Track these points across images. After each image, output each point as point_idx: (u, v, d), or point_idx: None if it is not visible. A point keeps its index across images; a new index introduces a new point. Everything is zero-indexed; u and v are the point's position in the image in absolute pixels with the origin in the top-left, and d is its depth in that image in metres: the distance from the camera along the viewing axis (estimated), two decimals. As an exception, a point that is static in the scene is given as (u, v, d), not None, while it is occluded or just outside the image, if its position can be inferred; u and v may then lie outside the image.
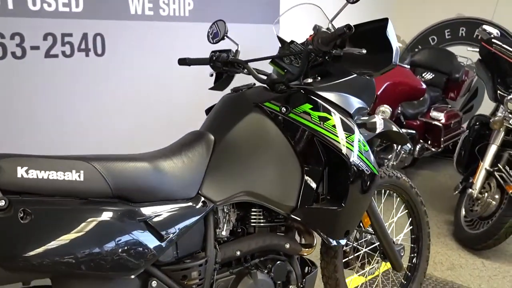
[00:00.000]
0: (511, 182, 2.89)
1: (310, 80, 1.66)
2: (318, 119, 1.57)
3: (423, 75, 4.59)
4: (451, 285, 2.62)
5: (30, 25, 2.61)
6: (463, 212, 3.27)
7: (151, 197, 1.32)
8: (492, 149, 3.08)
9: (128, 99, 3.25)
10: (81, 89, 2.93)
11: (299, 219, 1.57)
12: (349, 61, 1.53)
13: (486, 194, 3.07)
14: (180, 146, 1.50)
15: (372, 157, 1.69)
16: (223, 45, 1.95)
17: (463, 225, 3.21)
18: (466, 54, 4.80)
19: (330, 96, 1.64)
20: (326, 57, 1.55)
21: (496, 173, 3.01)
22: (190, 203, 1.40)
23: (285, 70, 1.71)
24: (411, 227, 2.27)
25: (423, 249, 2.26)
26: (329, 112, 1.60)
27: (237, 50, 1.91)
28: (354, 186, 1.61)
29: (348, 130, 1.61)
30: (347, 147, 1.59)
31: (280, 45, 1.82)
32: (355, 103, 1.71)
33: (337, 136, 1.58)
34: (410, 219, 2.24)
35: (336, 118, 1.60)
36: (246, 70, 1.81)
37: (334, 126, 1.59)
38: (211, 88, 2.07)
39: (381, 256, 2.06)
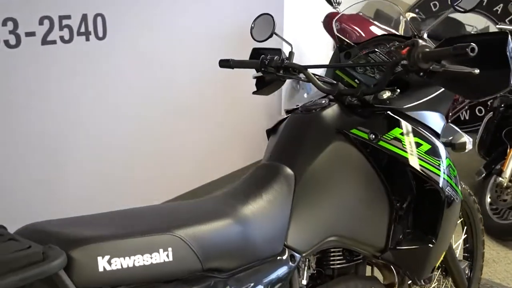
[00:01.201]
0: None
1: (387, 94, 1.41)
2: (410, 146, 1.34)
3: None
4: (490, 285, 2.51)
5: (23, 8, 2.23)
6: (488, 199, 3.13)
7: (240, 262, 1.08)
8: None
9: (134, 87, 2.92)
10: (82, 78, 2.59)
11: (391, 260, 1.36)
12: (449, 80, 1.28)
13: None
14: (254, 186, 1.24)
15: (458, 180, 1.48)
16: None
17: (489, 214, 3.08)
18: (471, 22, 4.59)
19: (419, 116, 1.40)
20: (421, 74, 1.30)
21: None
22: (278, 259, 1.17)
23: (357, 81, 1.45)
24: (465, 235, 2.10)
25: (477, 260, 2.11)
26: (421, 137, 1.37)
27: (291, 52, 1.63)
28: (445, 218, 1.41)
29: (440, 155, 1.39)
30: (441, 176, 1.37)
31: (335, 44, 1.56)
32: (441, 120, 1.48)
33: (431, 165, 1.35)
34: (466, 227, 2.07)
35: (429, 144, 1.37)
36: (304, 76, 1.55)
37: (427, 152, 1.36)
38: (256, 93, 1.79)
39: (442, 273, 1.89)
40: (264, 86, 1.76)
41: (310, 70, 1.51)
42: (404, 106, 1.37)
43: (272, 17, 1.71)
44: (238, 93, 3.67)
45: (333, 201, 1.29)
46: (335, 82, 1.56)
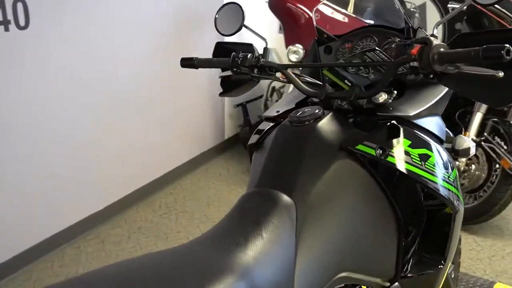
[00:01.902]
0: (504, 155, 2.73)
1: (384, 97, 1.22)
2: (418, 159, 1.16)
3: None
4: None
5: None
6: None
7: None
8: (478, 118, 2.87)
9: (65, 83, 2.57)
10: (1, 74, 2.21)
11: None
12: (464, 82, 1.11)
13: (473, 166, 2.91)
14: (252, 223, 1.01)
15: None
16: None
17: None
18: None
19: (424, 122, 1.23)
20: (431, 76, 1.12)
21: (484, 144, 2.83)
22: None
23: (348, 82, 1.26)
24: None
25: (456, 258, 2.01)
26: (429, 148, 1.20)
27: (266, 48, 1.41)
28: (454, 235, 1.27)
29: (448, 167, 1.23)
30: (450, 190, 1.22)
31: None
32: (442, 124, 1.32)
33: (442, 179, 1.19)
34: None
35: (436, 154, 1.21)
36: (284, 77, 1.34)
37: (436, 165, 1.19)
38: (223, 94, 1.56)
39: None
40: (232, 86, 1.52)
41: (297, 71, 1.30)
42: (411, 114, 1.18)
43: (241, 6, 1.46)
44: (180, 85, 3.38)
45: (340, 232, 1.09)
46: (320, 83, 1.35)
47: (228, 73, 1.44)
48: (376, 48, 1.18)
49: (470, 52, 0.99)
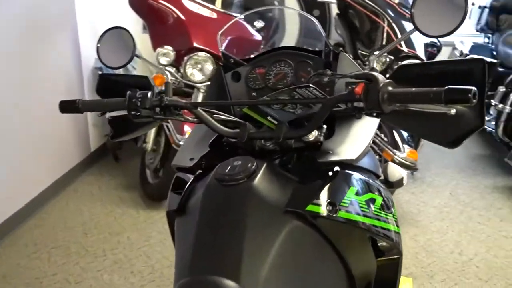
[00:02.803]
0: (386, 147, 2.80)
1: (314, 134, 1.09)
2: (366, 206, 1.04)
3: (254, 23, 4.12)
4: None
5: None
6: None
7: None
8: None
9: None
10: None
11: None
12: (412, 121, 1.01)
13: None
14: None
15: None
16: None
17: None
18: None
19: (363, 162, 1.11)
20: (374, 114, 0.99)
21: None
22: None
23: (271, 119, 1.09)
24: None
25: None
26: (372, 189, 1.09)
27: (167, 83, 1.17)
28: (399, 279, 1.19)
29: (391, 206, 1.14)
30: (397, 232, 1.12)
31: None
32: (374, 156, 1.22)
33: (388, 223, 1.09)
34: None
35: (380, 195, 1.10)
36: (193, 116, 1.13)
37: (381, 207, 1.08)
38: (115, 138, 1.29)
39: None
40: (127, 127, 1.26)
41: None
42: (355, 157, 1.04)
43: (129, 32, 1.19)
44: (31, 94, 2.91)
45: None
46: (237, 119, 1.16)
47: (121, 112, 1.17)
48: (310, 85, 1.02)
49: (428, 93, 0.87)
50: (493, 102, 3.34)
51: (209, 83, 3.06)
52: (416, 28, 0.95)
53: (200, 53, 2.98)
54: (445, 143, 0.99)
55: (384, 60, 2.80)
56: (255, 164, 0.99)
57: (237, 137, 1.08)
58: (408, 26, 2.90)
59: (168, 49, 2.95)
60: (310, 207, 0.95)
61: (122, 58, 1.20)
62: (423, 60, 2.84)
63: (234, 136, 1.09)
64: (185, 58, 2.96)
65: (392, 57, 2.81)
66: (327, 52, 1.23)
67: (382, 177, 1.22)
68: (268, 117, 1.10)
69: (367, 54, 2.86)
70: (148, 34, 3.22)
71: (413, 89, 0.90)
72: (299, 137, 1.07)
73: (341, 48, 1.20)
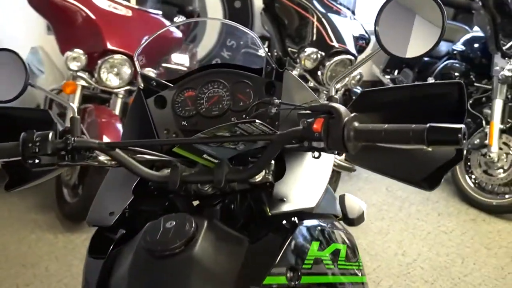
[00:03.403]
0: None
1: (262, 173, 0.91)
2: (331, 261, 0.87)
3: (174, 19, 3.82)
4: None
5: None
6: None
7: None
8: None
9: None
10: None
11: None
12: (380, 159, 0.84)
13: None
14: None
15: None
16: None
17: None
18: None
19: (322, 207, 0.93)
20: (336, 153, 0.81)
21: None
22: None
23: (208, 157, 0.90)
24: None
25: None
26: (334, 238, 0.92)
27: (73, 118, 0.93)
28: None
29: (356, 251, 0.97)
30: (364, 282, 0.96)
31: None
32: (333, 194, 1.05)
33: (355, 274, 0.93)
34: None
35: (343, 243, 0.93)
36: (108, 159, 0.92)
37: (347, 258, 0.92)
38: (10, 188, 1.03)
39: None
40: (26, 175, 1.01)
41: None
42: (313, 205, 0.86)
43: (18, 55, 0.93)
44: None
45: None
46: (168, 158, 0.94)
47: (17, 158, 0.92)
48: (256, 120, 0.81)
49: (406, 132, 0.70)
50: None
51: (127, 87, 2.79)
52: (383, 49, 0.78)
53: (116, 56, 2.69)
54: (421, 183, 0.83)
55: (315, 57, 2.66)
56: (193, 224, 0.78)
57: (167, 184, 0.86)
58: (338, 20, 2.77)
59: (78, 52, 2.63)
60: (268, 280, 0.76)
61: (12, 89, 0.93)
62: (354, 54, 2.73)
63: (164, 181, 0.88)
64: (99, 62, 2.66)
65: (323, 53, 2.68)
66: (269, 71, 1.03)
67: (340, 215, 1.05)
68: (205, 155, 0.89)
69: (296, 51, 2.71)
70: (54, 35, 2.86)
71: (386, 126, 0.72)
72: (245, 179, 0.88)
73: (287, 68, 1.00)
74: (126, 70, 2.73)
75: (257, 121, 0.81)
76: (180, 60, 2.93)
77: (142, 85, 1.06)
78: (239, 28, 1.06)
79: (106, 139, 2.56)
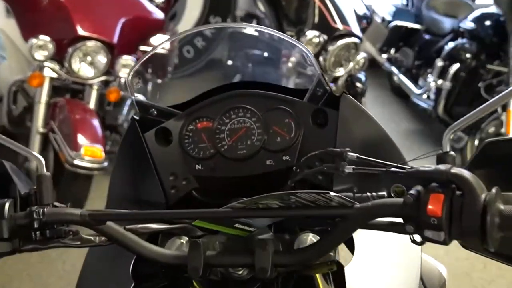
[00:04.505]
0: None
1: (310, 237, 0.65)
2: None
3: None
4: None
5: None
6: None
7: None
8: None
9: None
10: None
11: None
12: None
13: None
14: None
15: None
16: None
17: None
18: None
19: None
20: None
21: None
22: None
23: (241, 226, 0.63)
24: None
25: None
26: None
27: (40, 176, 0.63)
28: None
29: None
30: None
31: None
32: None
33: None
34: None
35: None
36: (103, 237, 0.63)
37: None
38: None
39: None
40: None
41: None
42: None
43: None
44: None
45: None
46: (180, 226, 0.66)
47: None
48: (330, 192, 0.53)
49: None
50: (430, 77, 3.03)
51: (103, 78, 2.45)
52: None
53: (89, 43, 2.34)
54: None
55: (317, 41, 2.36)
56: None
57: (184, 267, 0.59)
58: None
59: (44, 39, 2.26)
60: None
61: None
62: (359, 37, 2.44)
63: (180, 264, 0.60)
64: (69, 50, 2.31)
65: (326, 36, 2.39)
66: (319, 94, 0.73)
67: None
68: (237, 225, 0.62)
69: (294, 34, 2.41)
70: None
71: None
72: (303, 264, 0.61)
73: (345, 91, 0.71)
74: (101, 59, 2.38)
75: (331, 193, 0.53)
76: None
77: (138, 115, 0.75)
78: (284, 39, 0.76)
79: (82, 139, 2.23)
